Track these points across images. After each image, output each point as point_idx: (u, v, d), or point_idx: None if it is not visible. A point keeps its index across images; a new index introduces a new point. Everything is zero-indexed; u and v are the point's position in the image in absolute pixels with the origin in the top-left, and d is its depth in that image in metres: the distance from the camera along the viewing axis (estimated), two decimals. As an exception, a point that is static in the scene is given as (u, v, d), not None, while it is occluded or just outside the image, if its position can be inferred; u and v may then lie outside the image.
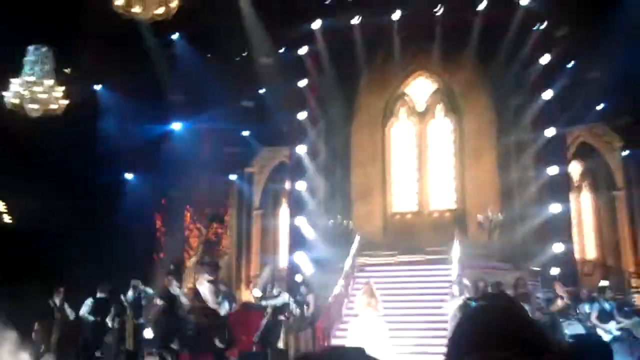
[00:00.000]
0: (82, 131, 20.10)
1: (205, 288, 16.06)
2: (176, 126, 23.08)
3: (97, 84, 21.69)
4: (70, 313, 16.82)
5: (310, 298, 18.66)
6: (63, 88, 18.70)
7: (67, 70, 20.93)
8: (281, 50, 22.90)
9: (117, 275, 18.94)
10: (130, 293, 16.45)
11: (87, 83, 20.63)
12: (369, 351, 1.80)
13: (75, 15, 18.58)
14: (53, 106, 18.48)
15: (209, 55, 21.71)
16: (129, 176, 22.64)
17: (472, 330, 1.64)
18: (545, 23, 22.08)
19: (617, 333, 14.85)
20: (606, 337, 17.07)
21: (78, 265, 17.99)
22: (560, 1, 21.35)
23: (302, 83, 23.07)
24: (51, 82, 18.57)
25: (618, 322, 15.48)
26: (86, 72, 20.25)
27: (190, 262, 23.45)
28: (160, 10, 16.98)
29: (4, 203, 22.29)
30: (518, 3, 22.19)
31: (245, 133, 23.93)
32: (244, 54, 22.83)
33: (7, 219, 22.29)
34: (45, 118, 18.45)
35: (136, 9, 16.69)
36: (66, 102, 18.60)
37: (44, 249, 18.26)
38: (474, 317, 1.69)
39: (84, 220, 20.42)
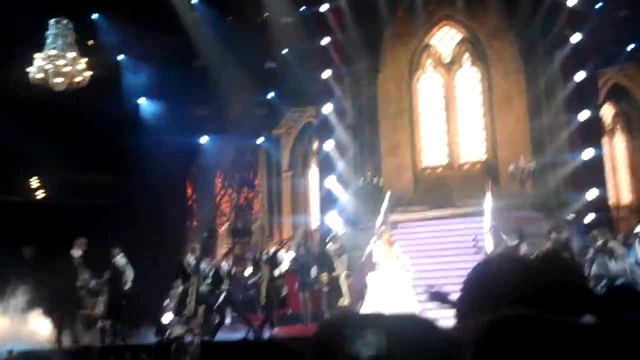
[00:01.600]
0: (109, 102, 19.95)
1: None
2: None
3: (120, 53, 21.41)
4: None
5: (344, 258, 18.61)
6: (86, 59, 18.55)
7: (90, 42, 20.77)
8: (302, 9, 22.36)
9: (152, 244, 19.03)
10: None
11: (111, 53, 20.36)
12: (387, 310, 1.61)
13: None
14: (77, 78, 18.37)
15: (230, 18, 21.27)
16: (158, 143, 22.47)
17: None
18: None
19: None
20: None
21: (113, 236, 18.06)
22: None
23: (325, 41, 22.62)
24: (74, 54, 18.43)
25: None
26: (109, 43, 20.02)
27: (223, 228, 23.41)
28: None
29: (37, 178, 22.36)
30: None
31: (271, 95, 23.58)
32: (265, 15, 22.40)
33: (41, 193, 22.38)
34: (70, 90, 18.35)
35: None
36: (90, 73, 18.46)
37: (77, 221, 18.26)
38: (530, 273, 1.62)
39: (115, 190, 20.42)
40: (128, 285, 16.23)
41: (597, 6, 21.27)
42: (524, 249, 15.88)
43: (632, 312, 3.25)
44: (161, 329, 15.99)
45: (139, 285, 16.46)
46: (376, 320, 1.54)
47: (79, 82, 18.35)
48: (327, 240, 17.59)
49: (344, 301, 15.98)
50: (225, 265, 17.18)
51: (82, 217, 18.70)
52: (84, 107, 18.68)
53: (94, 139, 19.47)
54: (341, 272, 15.90)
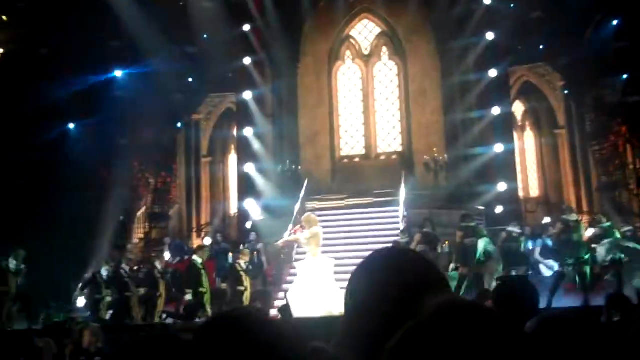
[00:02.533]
0: (20, 83, 19.11)
1: None
2: (118, 73, 22.07)
3: (33, 33, 20.53)
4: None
5: (260, 246, 18.57)
6: (-3, 37, 17.76)
7: (4, 18, 19.85)
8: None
9: (67, 231, 18.43)
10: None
11: (24, 32, 19.50)
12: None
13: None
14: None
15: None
16: (71, 127, 21.76)
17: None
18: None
19: (559, 269, 14.98)
20: (548, 273, 17.46)
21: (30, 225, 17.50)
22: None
23: (246, 28, 22.37)
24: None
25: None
26: (22, 22, 19.16)
27: (140, 212, 22.89)
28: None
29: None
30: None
31: (190, 80, 23.14)
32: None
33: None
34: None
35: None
36: (0, 51, 17.67)
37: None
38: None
39: (30, 175, 19.69)
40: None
41: (511, 6, 21.80)
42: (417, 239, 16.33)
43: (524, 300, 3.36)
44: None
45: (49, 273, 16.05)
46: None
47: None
48: (236, 255, 17.26)
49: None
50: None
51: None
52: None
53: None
54: (248, 288, 15.64)
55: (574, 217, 15.31)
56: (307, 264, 14.18)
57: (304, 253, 15.00)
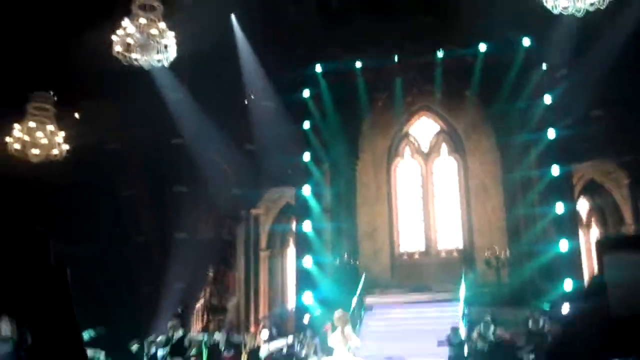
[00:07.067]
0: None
1: None
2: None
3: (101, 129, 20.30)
4: None
5: (316, 341, 17.10)
6: (63, 133, 17.40)
7: (76, 115, 19.64)
8: (284, 94, 21.48)
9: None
10: None
11: (91, 127, 19.26)
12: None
13: (75, 60, 17.26)
14: (54, 151, 17.20)
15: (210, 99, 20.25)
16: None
17: None
18: (545, 64, 20.68)
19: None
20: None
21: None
22: (560, 42, 19.83)
23: (306, 125, 21.67)
24: (52, 127, 17.32)
25: None
26: (90, 117, 18.94)
27: (199, 304, 21.78)
28: (159, 56, 15.79)
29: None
30: (519, 44, 20.81)
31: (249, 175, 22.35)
32: (247, 99, 21.55)
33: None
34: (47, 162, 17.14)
35: (135, 55, 15.52)
36: (67, 147, 17.29)
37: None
38: None
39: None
40: None
41: (571, 104, 20.47)
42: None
43: None
44: None
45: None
46: None
47: (55, 155, 17.16)
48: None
49: None
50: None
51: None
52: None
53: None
54: None
55: None
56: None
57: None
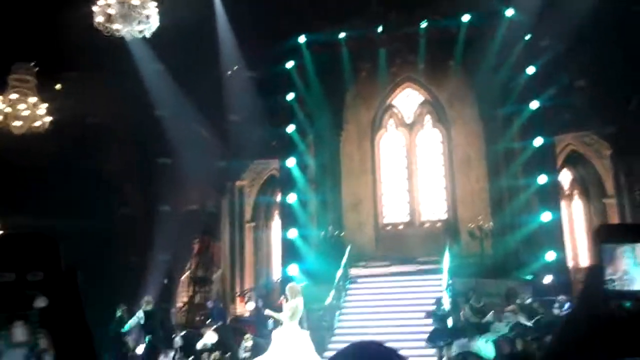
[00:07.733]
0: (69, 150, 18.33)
1: None
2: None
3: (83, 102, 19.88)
4: None
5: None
6: (46, 105, 17.06)
7: (58, 87, 19.26)
8: (268, 65, 21.17)
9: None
10: None
11: (73, 100, 18.85)
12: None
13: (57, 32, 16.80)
14: (37, 123, 16.87)
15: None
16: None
17: None
18: (529, 35, 20.51)
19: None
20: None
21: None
22: (544, 13, 19.67)
23: (290, 97, 21.43)
24: (35, 99, 16.97)
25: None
26: (72, 89, 18.52)
27: (184, 276, 21.71)
28: (141, 26, 15.45)
29: None
30: (502, 15, 20.62)
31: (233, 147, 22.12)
32: (234, 69, 21.19)
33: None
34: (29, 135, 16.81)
35: (117, 26, 15.17)
36: (49, 119, 16.96)
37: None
38: None
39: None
40: None
41: (555, 75, 20.38)
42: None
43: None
44: None
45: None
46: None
47: (38, 127, 16.83)
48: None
49: None
50: None
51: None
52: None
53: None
54: None
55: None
56: (283, 333, 12.44)
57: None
